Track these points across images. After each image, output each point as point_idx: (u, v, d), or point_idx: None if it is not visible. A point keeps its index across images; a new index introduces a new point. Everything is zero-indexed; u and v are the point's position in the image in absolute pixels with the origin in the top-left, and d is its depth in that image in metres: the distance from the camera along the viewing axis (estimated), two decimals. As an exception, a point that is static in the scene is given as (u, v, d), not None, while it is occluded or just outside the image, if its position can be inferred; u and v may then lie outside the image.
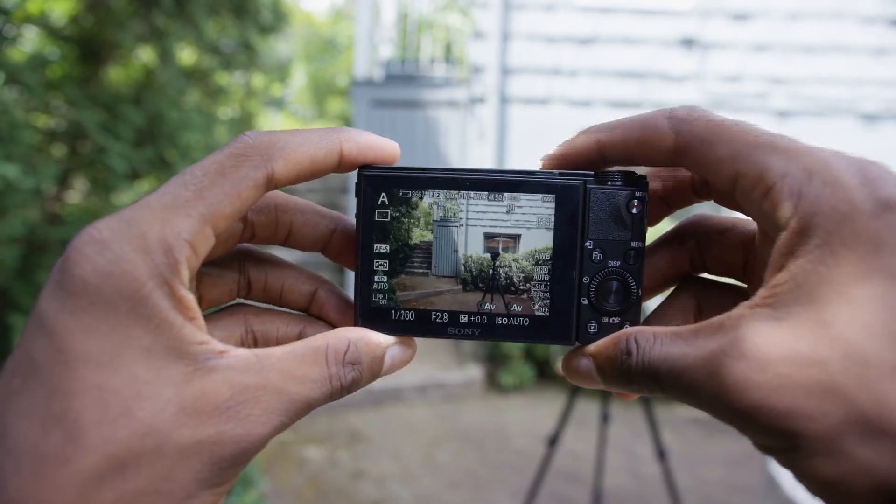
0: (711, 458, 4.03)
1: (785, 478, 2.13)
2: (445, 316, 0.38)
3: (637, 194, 0.36)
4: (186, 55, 4.15)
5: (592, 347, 0.36)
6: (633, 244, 0.37)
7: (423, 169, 0.37)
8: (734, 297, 0.37)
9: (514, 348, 5.23)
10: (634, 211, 0.36)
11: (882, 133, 5.58)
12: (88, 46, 3.29)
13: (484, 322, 0.38)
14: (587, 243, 0.37)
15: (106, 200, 3.20)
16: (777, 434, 0.27)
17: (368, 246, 0.38)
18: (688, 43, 5.71)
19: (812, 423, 0.26)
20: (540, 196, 0.37)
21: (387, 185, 0.37)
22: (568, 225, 0.37)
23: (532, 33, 5.83)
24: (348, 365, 0.34)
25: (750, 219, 0.36)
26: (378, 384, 4.67)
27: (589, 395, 4.48)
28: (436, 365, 5.18)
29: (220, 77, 4.39)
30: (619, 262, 0.37)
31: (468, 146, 5.98)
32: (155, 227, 0.29)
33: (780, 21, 5.63)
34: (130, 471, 0.28)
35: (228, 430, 0.29)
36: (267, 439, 0.31)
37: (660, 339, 0.31)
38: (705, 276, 0.40)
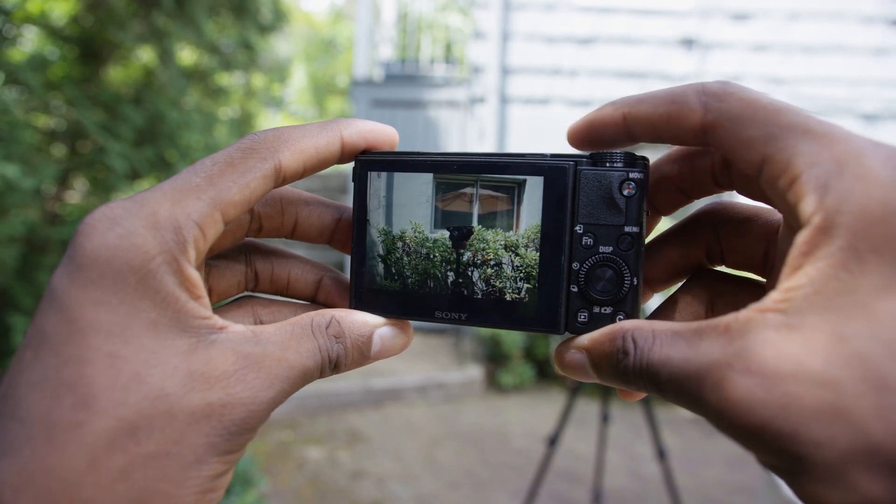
0: (711, 458, 4.03)
1: (785, 478, 2.13)
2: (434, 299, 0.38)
3: (631, 175, 0.34)
4: (186, 55, 4.15)
5: (586, 341, 0.33)
6: (628, 229, 0.34)
7: (415, 153, 0.37)
8: (751, 293, 0.35)
9: (514, 348, 5.23)
10: (627, 193, 0.34)
11: (882, 133, 5.58)
12: (88, 46, 3.29)
13: (471, 307, 0.37)
14: (577, 227, 0.35)
15: (106, 200, 3.20)
16: (781, 455, 0.25)
17: (363, 229, 0.38)
18: (688, 43, 5.71)
19: (818, 450, 0.24)
20: (528, 178, 0.35)
21: (380, 169, 0.38)
22: (556, 208, 0.35)
23: (532, 33, 5.83)
24: (331, 338, 0.35)
25: (774, 209, 0.34)
26: (378, 384, 4.67)
27: (589, 395, 4.48)
28: (436, 365, 5.18)
29: (220, 77, 4.39)
30: (611, 248, 0.34)
31: (468, 146, 5.98)
32: (166, 207, 0.30)
33: (780, 21, 5.63)
34: (142, 434, 0.28)
35: (237, 392, 0.30)
36: (273, 405, 0.32)
37: (659, 339, 0.29)
38: (721, 269, 0.38)
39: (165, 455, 0.29)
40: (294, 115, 16.23)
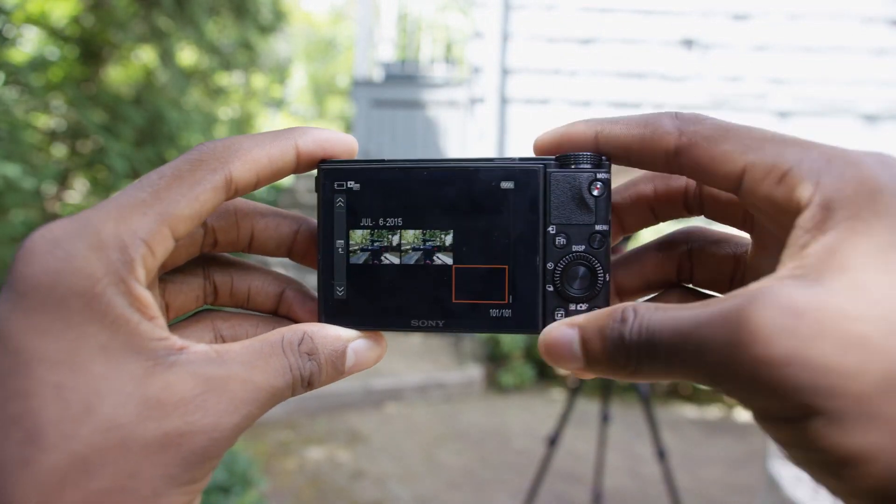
0: (711, 458, 4.03)
1: (785, 478, 2.13)
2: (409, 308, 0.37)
3: (599, 176, 0.35)
4: (186, 55, 4.15)
5: (581, 318, 0.32)
6: (598, 227, 0.36)
7: (381, 161, 0.37)
8: None
9: (515, 348, 5.23)
10: (596, 193, 0.35)
11: (882, 133, 5.57)
12: (89, 47, 3.30)
13: (447, 313, 0.37)
14: (550, 228, 0.36)
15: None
16: (802, 393, 0.24)
17: (329, 238, 0.37)
18: (688, 43, 5.71)
19: (849, 382, 0.23)
20: (499, 182, 0.36)
21: (345, 178, 0.37)
22: (528, 210, 0.36)
23: (532, 33, 5.83)
24: (304, 355, 0.33)
25: (744, 233, 0.36)
26: (378, 384, 4.67)
27: (589, 395, 4.48)
28: (436, 365, 5.18)
29: (220, 77, 4.39)
30: (583, 247, 0.36)
31: (468, 146, 5.98)
32: (109, 226, 0.29)
33: (780, 21, 5.63)
34: (94, 469, 0.27)
35: (196, 420, 0.29)
36: (238, 431, 0.30)
37: (662, 309, 0.29)
38: (691, 287, 0.39)
39: (121, 490, 0.27)
40: (294, 115, 16.24)
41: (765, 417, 0.26)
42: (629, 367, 0.30)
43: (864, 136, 5.54)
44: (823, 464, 0.25)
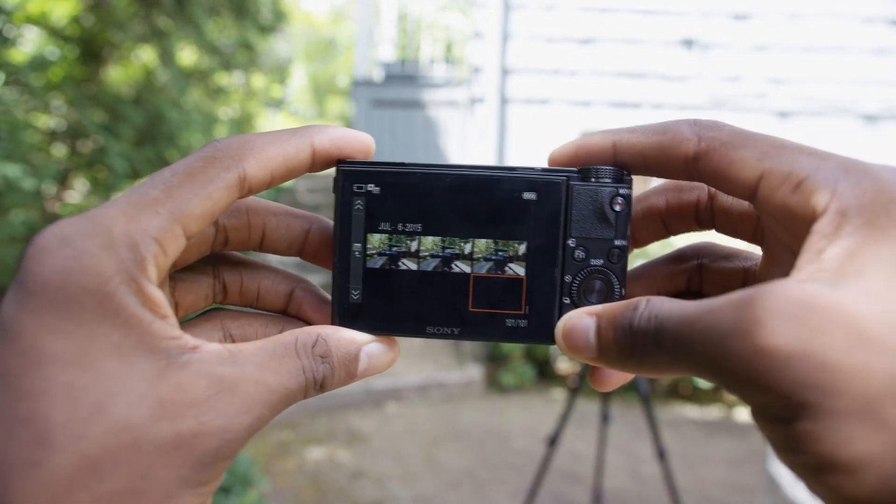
0: (711, 458, 4.03)
1: (785, 478, 2.13)
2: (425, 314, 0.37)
3: (621, 191, 0.35)
4: (186, 55, 4.15)
5: (599, 308, 0.33)
6: (617, 242, 0.36)
7: (402, 164, 0.36)
8: None
9: (515, 348, 5.23)
10: (618, 208, 0.36)
11: (882, 133, 5.58)
12: (89, 47, 3.30)
13: (463, 321, 0.37)
14: (570, 241, 0.36)
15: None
16: (801, 389, 0.23)
17: (346, 241, 0.37)
18: (688, 43, 5.71)
19: (852, 381, 0.22)
20: (521, 193, 0.36)
21: (364, 181, 0.36)
22: (549, 222, 0.36)
23: (532, 33, 5.83)
24: (318, 358, 0.33)
25: (754, 247, 0.37)
26: (378, 384, 4.67)
27: (589, 395, 4.48)
28: (436, 365, 5.18)
29: (220, 77, 4.39)
30: (602, 261, 0.36)
31: (468, 146, 5.99)
32: (120, 224, 0.28)
33: (780, 21, 5.63)
34: (105, 470, 0.27)
35: (210, 420, 0.28)
36: (250, 432, 0.30)
37: (673, 301, 0.29)
38: None
39: (132, 491, 0.27)
40: (294, 115, 16.25)
41: (761, 415, 0.26)
42: (634, 356, 0.29)
43: (864, 136, 5.55)
44: (811, 468, 0.24)
